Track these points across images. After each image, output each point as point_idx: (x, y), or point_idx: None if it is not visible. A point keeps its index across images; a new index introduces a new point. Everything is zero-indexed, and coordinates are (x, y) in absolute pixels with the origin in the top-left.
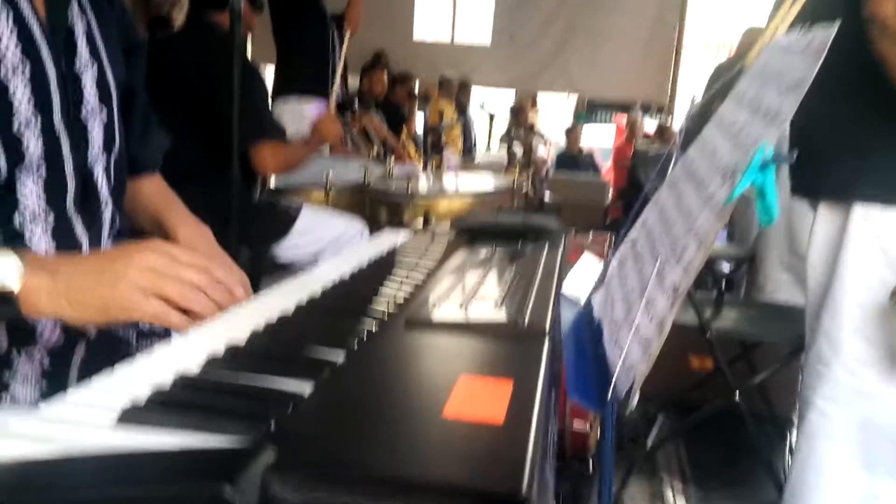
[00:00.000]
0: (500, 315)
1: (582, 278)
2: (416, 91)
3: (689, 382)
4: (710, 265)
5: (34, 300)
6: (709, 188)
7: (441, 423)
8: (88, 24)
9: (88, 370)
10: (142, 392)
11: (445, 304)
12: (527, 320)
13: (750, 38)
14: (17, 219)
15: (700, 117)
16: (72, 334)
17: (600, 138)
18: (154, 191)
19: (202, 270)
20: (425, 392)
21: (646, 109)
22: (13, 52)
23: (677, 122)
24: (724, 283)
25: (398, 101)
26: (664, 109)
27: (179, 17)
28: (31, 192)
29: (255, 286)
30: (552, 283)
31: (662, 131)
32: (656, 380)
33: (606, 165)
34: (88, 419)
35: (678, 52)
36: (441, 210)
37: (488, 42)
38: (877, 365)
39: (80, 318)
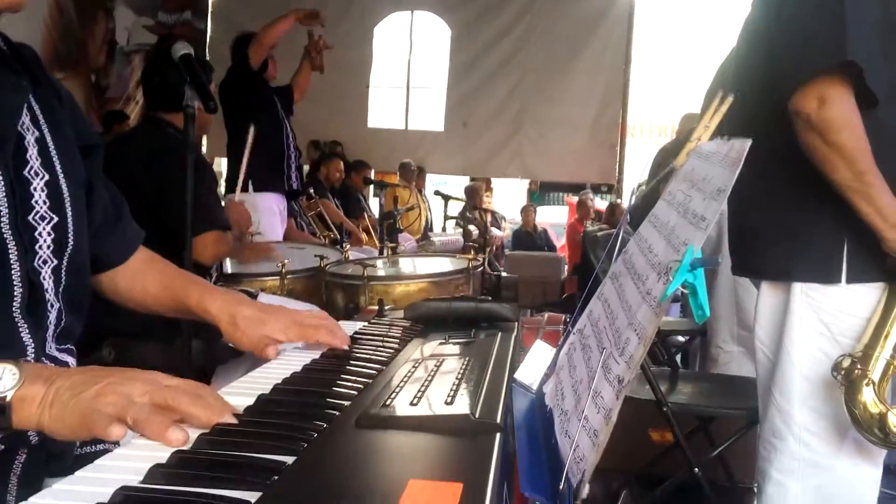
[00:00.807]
0: (451, 410)
1: (534, 366)
2: (372, 177)
3: (650, 456)
4: (663, 339)
5: (25, 409)
6: (646, 283)
7: None
8: (41, 134)
9: (28, 477)
10: None
11: (397, 400)
12: (478, 414)
13: (687, 124)
14: None
15: (645, 199)
16: (12, 441)
17: (553, 215)
18: (160, 270)
19: (177, 398)
20: (375, 499)
21: (596, 189)
22: None
23: (626, 200)
24: (678, 357)
25: (354, 188)
26: (613, 189)
27: (135, 112)
28: None
29: (209, 375)
30: (504, 373)
31: (613, 209)
32: (618, 454)
33: (560, 242)
34: None
35: (622, 136)
36: (398, 293)
37: (441, 128)
38: (827, 436)
39: (56, 432)
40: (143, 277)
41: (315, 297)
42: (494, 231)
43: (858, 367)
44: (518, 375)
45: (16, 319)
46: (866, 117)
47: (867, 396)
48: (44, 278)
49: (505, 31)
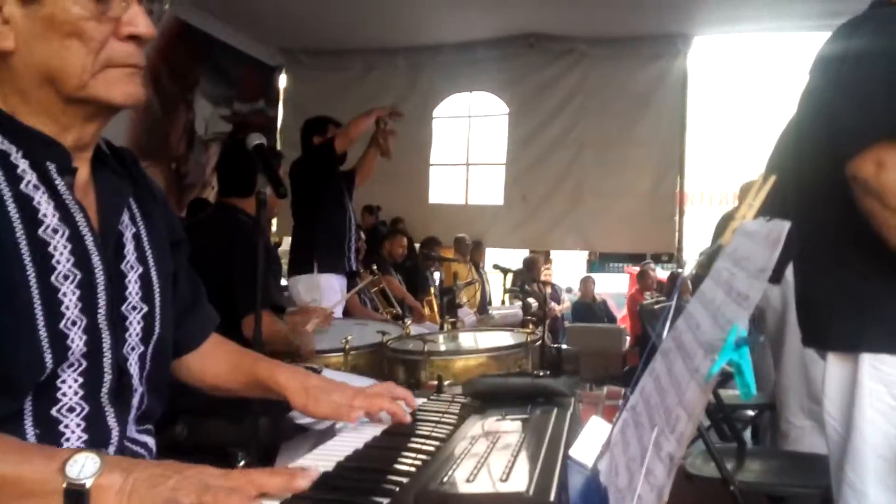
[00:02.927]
0: (506, 488)
1: (590, 442)
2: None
3: None
4: (730, 413)
5: (103, 498)
6: (694, 361)
7: None
8: (137, 230)
9: None
10: None
11: (454, 477)
12: (532, 491)
13: (746, 191)
14: (53, 411)
15: (704, 271)
16: None
17: (613, 285)
18: (229, 351)
19: (251, 478)
20: None
21: (656, 259)
22: (64, 265)
23: (687, 269)
24: (747, 432)
25: (422, 264)
26: (673, 258)
27: (212, 198)
28: (69, 387)
29: (275, 452)
30: (559, 449)
31: (674, 278)
32: None
33: (621, 312)
34: None
35: (681, 205)
36: (457, 368)
37: (501, 202)
38: None
39: None
40: (213, 358)
41: (377, 373)
42: (553, 304)
43: None
44: (573, 452)
45: (103, 404)
46: None
47: None
48: (130, 364)
49: (560, 106)
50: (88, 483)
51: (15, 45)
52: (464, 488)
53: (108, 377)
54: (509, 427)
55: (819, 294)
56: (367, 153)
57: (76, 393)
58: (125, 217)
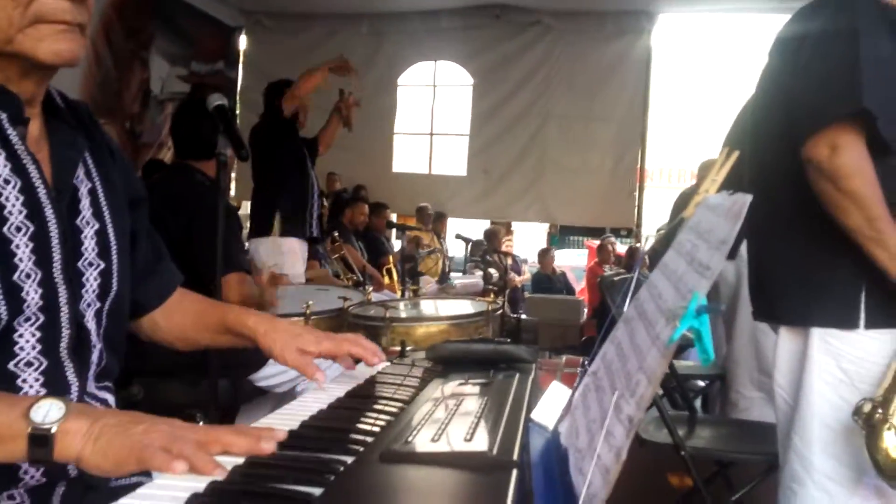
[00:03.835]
0: (469, 447)
1: (551, 406)
2: (394, 220)
3: (670, 502)
4: (682, 383)
5: (67, 441)
6: (656, 328)
7: None
8: (94, 186)
9: None
10: None
11: (418, 437)
12: (496, 451)
13: (705, 170)
14: (11, 365)
15: (662, 246)
16: (52, 475)
17: (573, 259)
18: (194, 302)
19: (219, 433)
20: None
21: (616, 233)
22: (16, 217)
23: (644, 244)
24: (698, 402)
25: (377, 231)
26: (632, 233)
27: (167, 158)
28: (27, 341)
29: (234, 414)
30: (521, 412)
31: (633, 253)
32: (637, 499)
33: (580, 285)
34: None
35: (641, 181)
36: (419, 335)
37: (464, 173)
38: (846, 483)
39: (95, 465)
40: (179, 310)
41: None
42: (514, 274)
43: (879, 411)
44: (535, 415)
45: (62, 359)
46: (880, 164)
47: (889, 441)
48: (87, 321)
49: (525, 79)
50: (54, 428)
51: None
52: (428, 447)
53: (65, 332)
54: (471, 391)
55: (772, 270)
56: (330, 121)
57: (34, 347)
58: (80, 172)
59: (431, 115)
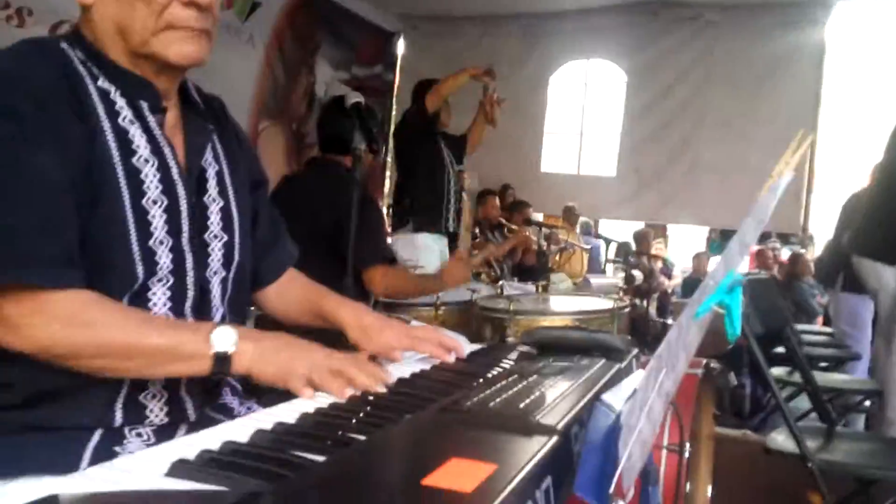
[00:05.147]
0: (525, 413)
1: (627, 390)
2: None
3: None
4: (818, 394)
5: (238, 360)
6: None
7: (416, 487)
8: (220, 168)
9: None
10: (191, 453)
11: (478, 401)
12: (539, 418)
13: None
14: None
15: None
16: (175, 416)
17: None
18: (301, 286)
19: (346, 367)
20: (417, 467)
21: (783, 238)
22: (153, 191)
23: (814, 250)
24: (861, 420)
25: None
26: (799, 238)
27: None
28: (158, 299)
29: None
30: (589, 391)
31: (796, 260)
32: None
33: None
34: (146, 470)
35: (810, 184)
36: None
37: (614, 174)
38: None
39: (260, 376)
40: (287, 291)
41: (466, 329)
42: (663, 278)
43: None
44: (605, 397)
45: (187, 316)
46: None
47: None
48: (212, 286)
49: (681, 77)
50: (231, 350)
51: (93, 0)
52: (480, 409)
53: (191, 293)
54: (551, 370)
55: None
56: (475, 121)
57: (164, 304)
58: (209, 156)
59: (582, 114)
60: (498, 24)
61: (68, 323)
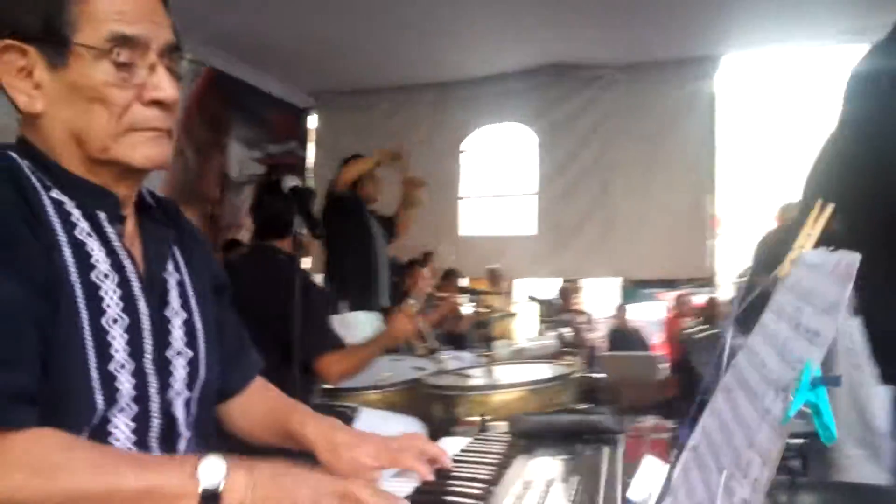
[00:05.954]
0: None
1: (646, 483)
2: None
3: None
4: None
5: (232, 495)
6: (764, 401)
7: None
8: (181, 278)
9: None
10: None
11: None
12: None
13: (787, 214)
14: None
15: (749, 298)
16: None
17: (646, 313)
18: (266, 400)
19: (357, 490)
20: None
21: (693, 283)
22: (114, 309)
23: (721, 293)
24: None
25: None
26: (709, 283)
27: (246, 239)
28: (122, 432)
29: None
30: (616, 494)
31: (713, 304)
32: None
33: (655, 339)
34: None
35: (714, 229)
36: (496, 403)
37: (534, 232)
38: None
39: None
40: (251, 407)
41: (415, 409)
42: (589, 333)
43: None
44: (630, 495)
45: (152, 448)
46: None
47: None
48: (176, 409)
49: (590, 134)
50: (221, 485)
51: (43, 108)
52: None
53: (156, 422)
54: (560, 470)
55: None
56: (400, 209)
57: (128, 439)
58: (169, 265)
59: (497, 177)
60: (410, 94)
61: (33, 472)
